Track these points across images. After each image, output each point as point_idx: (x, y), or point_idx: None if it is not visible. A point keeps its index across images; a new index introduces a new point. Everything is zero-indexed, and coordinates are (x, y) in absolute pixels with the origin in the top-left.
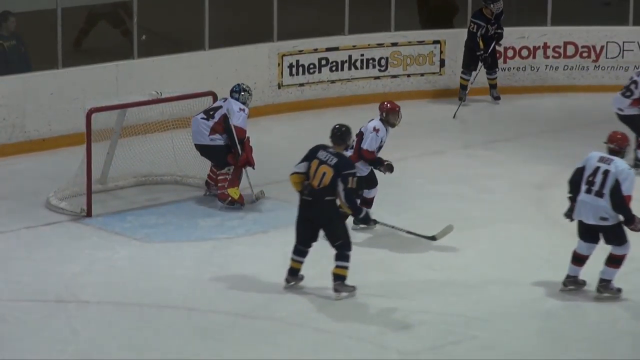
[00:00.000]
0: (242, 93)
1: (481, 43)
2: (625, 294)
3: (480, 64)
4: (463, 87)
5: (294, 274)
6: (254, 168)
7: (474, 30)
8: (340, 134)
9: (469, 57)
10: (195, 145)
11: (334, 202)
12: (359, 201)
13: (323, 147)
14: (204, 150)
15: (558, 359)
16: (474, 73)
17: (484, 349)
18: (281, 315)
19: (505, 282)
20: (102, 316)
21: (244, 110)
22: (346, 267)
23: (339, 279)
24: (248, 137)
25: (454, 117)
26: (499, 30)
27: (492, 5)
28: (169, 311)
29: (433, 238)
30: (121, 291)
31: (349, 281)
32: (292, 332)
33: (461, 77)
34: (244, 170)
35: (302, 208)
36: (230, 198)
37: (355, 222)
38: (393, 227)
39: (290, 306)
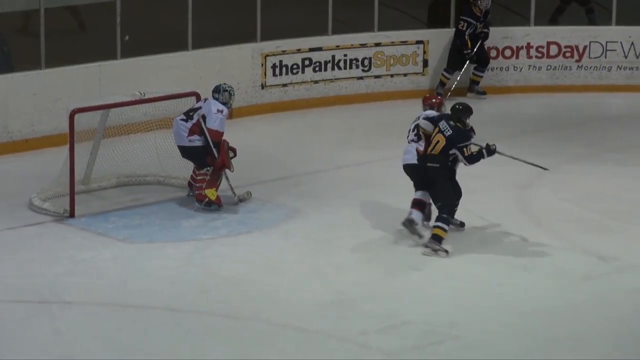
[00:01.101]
0: (223, 93)
1: (469, 42)
2: (607, 294)
3: (466, 64)
4: (442, 84)
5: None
6: (231, 171)
7: (463, 29)
8: (455, 110)
9: (455, 56)
10: (177, 146)
11: (437, 169)
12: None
13: (446, 118)
14: (183, 151)
15: (540, 359)
16: (457, 72)
17: (467, 349)
18: (265, 315)
19: (487, 282)
20: (86, 317)
21: (222, 111)
22: (443, 229)
23: (434, 237)
24: (225, 140)
25: None
26: (486, 30)
27: (480, 2)
28: (152, 312)
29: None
30: (104, 292)
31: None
32: (276, 333)
33: (442, 74)
34: (223, 172)
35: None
36: (207, 199)
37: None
38: (511, 157)
39: (273, 307)
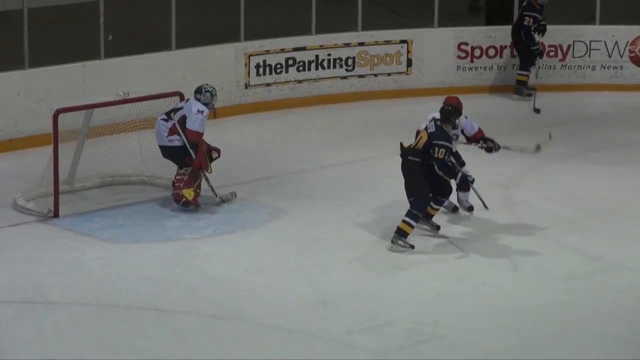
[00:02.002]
0: (204, 94)
1: (535, 37)
2: (591, 293)
3: (537, 58)
4: (522, 83)
5: (428, 217)
6: (209, 172)
7: (529, 24)
8: (445, 111)
9: (526, 52)
10: (158, 146)
11: (416, 163)
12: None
13: (435, 118)
14: (164, 150)
15: (526, 359)
16: (532, 69)
17: (452, 348)
18: (249, 316)
19: (472, 281)
20: (70, 317)
21: (202, 112)
22: (409, 225)
23: (399, 232)
24: (203, 142)
25: (537, 111)
26: (543, 22)
27: None
28: (136, 312)
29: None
30: (89, 292)
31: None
32: (261, 333)
33: (519, 74)
34: (202, 173)
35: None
36: (184, 199)
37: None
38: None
39: (258, 306)
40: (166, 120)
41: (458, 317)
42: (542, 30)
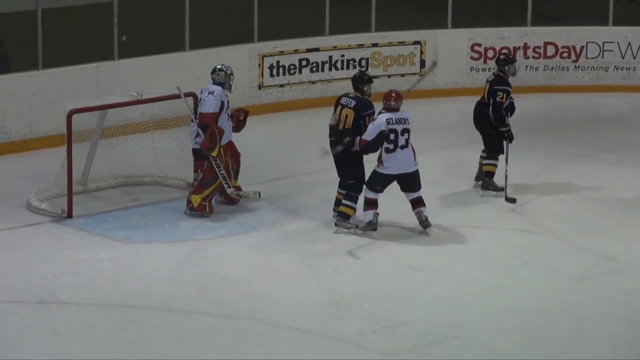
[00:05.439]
0: (219, 73)
1: (506, 117)
2: (604, 294)
3: (505, 144)
4: (490, 175)
5: (339, 204)
6: (210, 155)
7: (502, 100)
8: (354, 78)
9: (494, 135)
10: None
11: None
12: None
13: (345, 95)
14: (193, 153)
15: (538, 359)
16: (501, 157)
17: (464, 349)
18: (262, 316)
19: (485, 282)
20: (83, 317)
21: (212, 92)
22: (350, 207)
23: (340, 215)
24: (215, 124)
25: (511, 200)
26: (512, 99)
27: (508, 68)
28: (150, 312)
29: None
30: (102, 292)
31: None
32: (273, 333)
33: (489, 164)
34: (212, 160)
35: (331, 149)
36: (191, 205)
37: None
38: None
39: (271, 307)
40: (193, 122)
41: (471, 318)
42: (511, 110)
